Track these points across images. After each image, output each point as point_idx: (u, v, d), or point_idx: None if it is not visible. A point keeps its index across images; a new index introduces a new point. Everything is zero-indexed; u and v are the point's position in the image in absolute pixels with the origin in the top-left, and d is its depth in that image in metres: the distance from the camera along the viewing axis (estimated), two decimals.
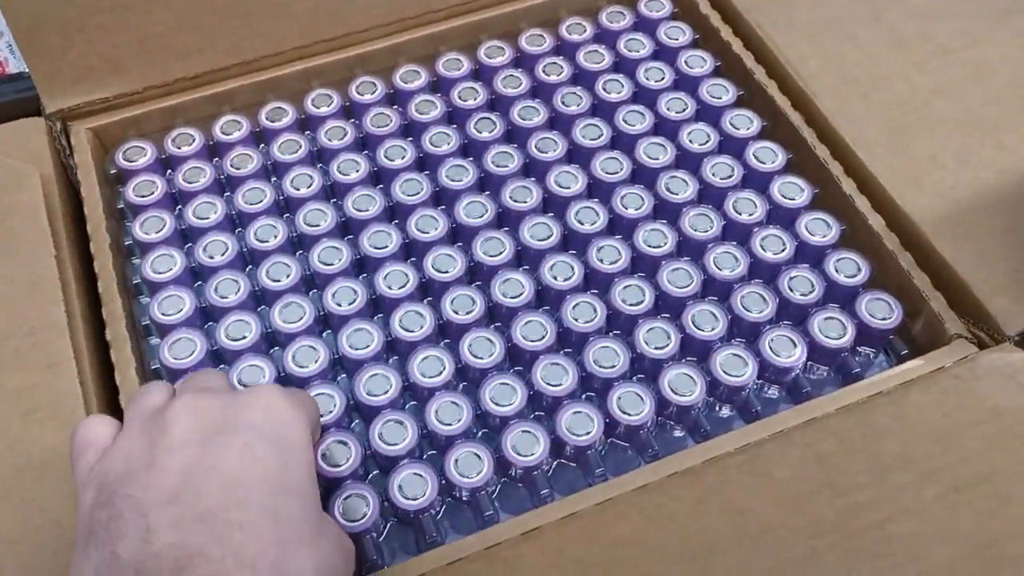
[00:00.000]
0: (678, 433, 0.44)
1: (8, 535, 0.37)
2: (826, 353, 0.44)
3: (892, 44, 0.54)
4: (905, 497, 0.35)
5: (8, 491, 0.38)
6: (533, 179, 0.50)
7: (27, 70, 0.52)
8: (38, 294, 0.44)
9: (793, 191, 0.49)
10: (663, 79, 0.55)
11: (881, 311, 0.44)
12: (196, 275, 0.49)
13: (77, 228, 0.50)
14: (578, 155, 0.52)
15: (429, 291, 0.48)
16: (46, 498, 0.38)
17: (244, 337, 0.44)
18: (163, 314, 0.45)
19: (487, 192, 0.50)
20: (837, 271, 0.46)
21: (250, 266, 0.50)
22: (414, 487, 0.40)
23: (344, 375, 0.46)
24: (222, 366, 0.45)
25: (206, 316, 0.47)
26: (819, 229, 0.48)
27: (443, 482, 0.40)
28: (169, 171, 0.53)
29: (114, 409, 0.43)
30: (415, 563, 0.37)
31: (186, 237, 0.51)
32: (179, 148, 0.53)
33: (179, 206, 0.51)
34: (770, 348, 0.44)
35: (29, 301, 0.44)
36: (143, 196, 0.50)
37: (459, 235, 0.49)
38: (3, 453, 0.39)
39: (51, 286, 0.44)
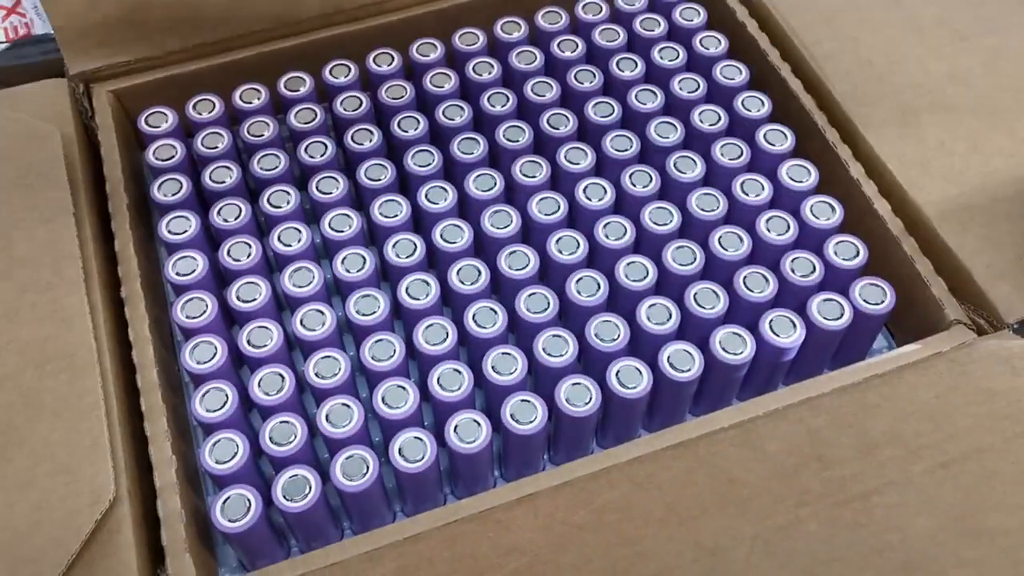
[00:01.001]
0: None
1: (18, 482, 0.39)
2: (824, 335, 0.44)
3: (908, 28, 0.54)
4: (891, 471, 0.36)
5: (21, 440, 0.40)
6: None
7: (52, 32, 0.53)
8: (55, 250, 0.45)
9: (801, 174, 0.49)
10: (677, 59, 0.55)
11: (875, 296, 0.45)
12: (211, 238, 0.50)
13: (98, 189, 0.51)
14: (589, 132, 0.52)
15: (436, 261, 0.48)
16: (57, 447, 0.39)
17: (254, 300, 0.45)
18: (177, 274, 0.46)
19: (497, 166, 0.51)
20: (836, 254, 0.46)
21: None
22: (414, 450, 0.41)
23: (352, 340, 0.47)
24: (234, 327, 0.46)
25: (220, 278, 0.48)
26: (824, 212, 0.48)
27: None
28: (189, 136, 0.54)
29: (127, 363, 0.44)
30: (409, 524, 0.38)
31: (203, 201, 0.52)
32: (200, 114, 0.54)
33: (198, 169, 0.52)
34: (770, 328, 0.44)
35: (46, 256, 0.45)
36: (163, 160, 0.51)
37: (468, 208, 0.50)
38: (16, 402, 0.41)
39: (69, 242, 0.45)
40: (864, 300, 0.44)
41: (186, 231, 0.48)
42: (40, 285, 0.44)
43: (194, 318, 0.45)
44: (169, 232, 0.48)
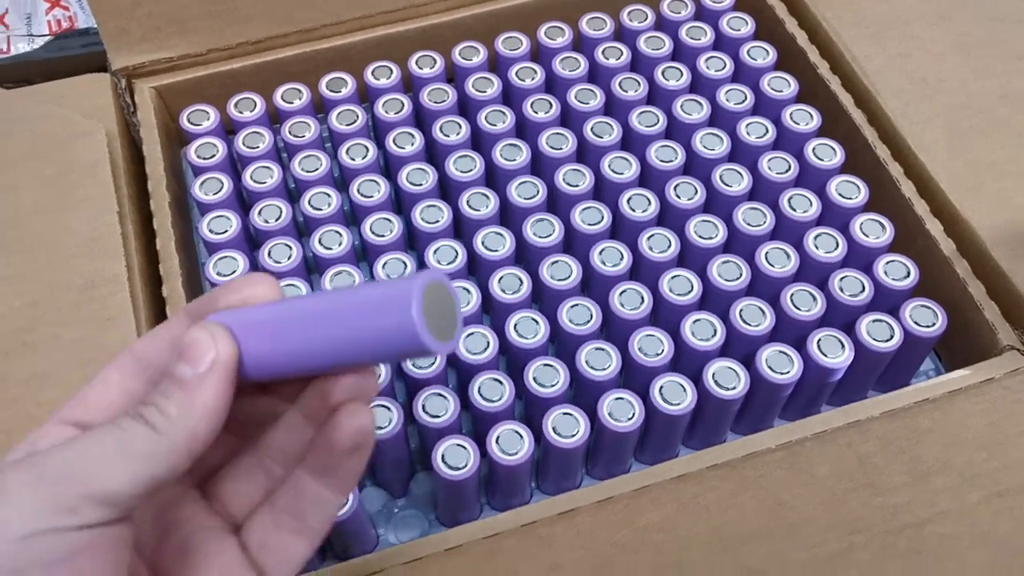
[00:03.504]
0: None
1: None
2: (873, 356, 0.44)
3: (961, 46, 0.53)
4: (944, 500, 0.35)
5: None
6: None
7: (95, 26, 0.53)
8: (98, 248, 0.45)
9: (850, 190, 0.49)
10: (723, 69, 0.54)
11: (926, 318, 0.44)
12: (252, 239, 0.50)
13: (139, 185, 0.51)
14: (633, 142, 0.52)
15: (477, 269, 0.48)
16: None
17: None
18: (218, 274, 0.46)
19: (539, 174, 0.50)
20: (886, 274, 0.45)
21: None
22: (457, 457, 0.40)
23: None
24: None
25: None
26: (874, 231, 0.47)
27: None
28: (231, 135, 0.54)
29: None
30: (451, 535, 0.38)
31: (244, 201, 0.51)
32: (241, 113, 0.53)
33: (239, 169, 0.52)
34: (818, 348, 0.43)
35: (89, 255, 0.45)
36: (204, 158, 0.51)
37: (509, 215, 0.49)
38: (60, 401, 0.40)
39: (111, 241, 0.45)
40: (915, 322, 0.44)
41: (227, 231, 0.48)
42: (81, 284, 0.44)
43: None
44: (210, 231, 0.48)
